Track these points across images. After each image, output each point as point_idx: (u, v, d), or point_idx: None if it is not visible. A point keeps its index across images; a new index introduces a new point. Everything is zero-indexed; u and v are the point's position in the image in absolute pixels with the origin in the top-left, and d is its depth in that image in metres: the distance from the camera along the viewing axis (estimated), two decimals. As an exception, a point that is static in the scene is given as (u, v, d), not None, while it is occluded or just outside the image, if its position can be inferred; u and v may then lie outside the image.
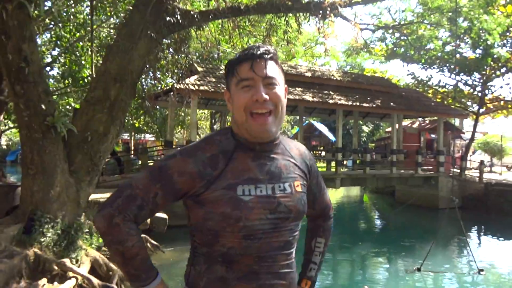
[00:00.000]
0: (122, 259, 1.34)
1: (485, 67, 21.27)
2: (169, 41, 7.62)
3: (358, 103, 17.10)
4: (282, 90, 1.42)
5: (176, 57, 8.13)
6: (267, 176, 1.39)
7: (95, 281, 5.70)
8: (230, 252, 1.34)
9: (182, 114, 24.52)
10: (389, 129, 23.14)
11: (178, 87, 9.37)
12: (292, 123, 38.58)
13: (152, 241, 8.29)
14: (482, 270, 8.30)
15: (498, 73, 22.16)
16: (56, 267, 5.52)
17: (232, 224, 1.31)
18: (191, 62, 9.19)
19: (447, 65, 22.27)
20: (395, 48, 22.83)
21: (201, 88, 13.24)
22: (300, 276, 1.66)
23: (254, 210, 1.33)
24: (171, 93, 11.37)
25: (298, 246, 1.51)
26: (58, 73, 15.44)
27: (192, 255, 1.46)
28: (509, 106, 24.41)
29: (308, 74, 17.85)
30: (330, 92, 17.15)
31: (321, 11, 7.83)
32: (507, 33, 19.96)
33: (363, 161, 17.84)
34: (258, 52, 1.37)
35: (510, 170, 29.55)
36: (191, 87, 12.24)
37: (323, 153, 22.75)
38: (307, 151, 1.59)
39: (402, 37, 21.86)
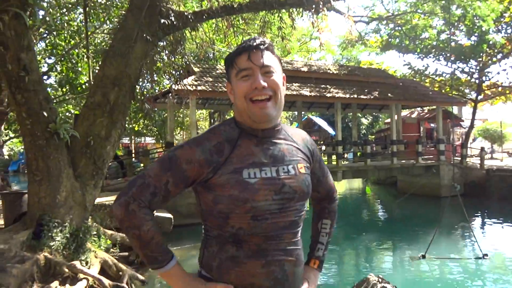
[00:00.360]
0: (139, 243, 1.43)
1: (481, 54, 21.29)
2: (164, 43, 7.69)
3: (355, 96, 17.16)
4: (280, 78, 1.51)
5: (173, 58, 8.20)
6: (270, 159, 1.48)
7: (106, 281, 5.80)
8: (239, 232, 1.43)
9: (181, 115, 24.60)
10: (388, 120, 23.17)
11: (176, 88, 9.44)
12: (291, 119, 38.64)
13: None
14: (486, 254, 8.37)
15: (494, 59, 22.16)
16: (66, 270, 5.61)
17: (240, 205, 1.40)
18: (187, 62, 9.25)
19: (443, 53, 22.28)
20: (390, 39, 22.85)
21: (199, 88, 13.31)
22: (309, 256, 1.75)
23: (260, 191, 1.41)
24: (170, 94, 11.46)
25: (305, 228, 1.59)
26: (55, 81, 15.54)
27: (204, 239, 1.55)
28: (507, 92, 24.43)
29: (305, 69, 17.93)
30: (328, 86, 17.22)
31: (314, 6, 7.91)
32: (501, 19, 20.00)
33: (363, 153, 17.91)
34: (255, 43, 1.47)
35: (511, 156, 29.59)
36: (189, 87, 12.31)
37: (323, 147, 22.79)
38: (308, 137, 1.69)
39: (397, 28, 21.87)
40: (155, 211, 1.52)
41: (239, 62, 1.47)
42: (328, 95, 16.41)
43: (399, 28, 21.44)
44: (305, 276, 1.64)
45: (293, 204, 1.49)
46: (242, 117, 1.51)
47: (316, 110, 24.61)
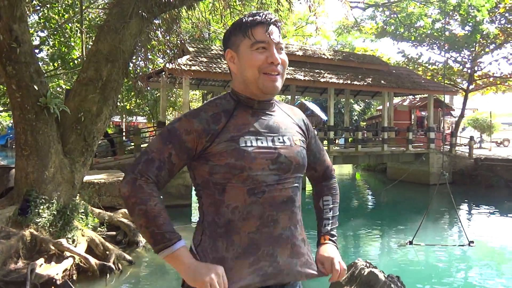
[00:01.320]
0: (145, 219, 1.38)
1: (474, 44, 21.33)
2: (160, 21, 7.56)
3: (349, 82, 17.09)
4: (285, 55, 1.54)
5: (168, 37, 8.08)
6: (266, 130, 1.49)
7: (92, 260, 5.77)
8: (234, 216, 1.41)
9: (174, 95, 24.42)
10: (380, 107, 23.21)
11: (170, 67, 9.33)
12: (284, 103, 38.48)
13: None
14: (472, 241, 8.45)
15: (487, 49, 22.27)
16: (53, 247, 5.57)
17: (237, 174, 1.39)
18: (182, 42, 9.12)
19: (437, 42, 22.30)
20: (385, 26, 22.81)
21: (193, 68, 13.17)
22: (318, 234, 1.75)
23: (256, 160, 1.41)
24: (163, 73, 11.33)
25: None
26: (46, 55, 15.27)
27: (200, 222, 1.52)
28: (498, 82, 24.56)
29: (300, 53, 17.80)
30: (322, 71, 17.15)
31: (311, -12, 7.81)
32: (496, 9, 19.98)
33: (355, 139, 17.95)
34: (271, 19, 1.49)
35: (499, 145, 29.86)
36: (183, 67, 12.17)
37: (315, 132, 22.78)
38: (302, 113, 1.72)
39: (392, 15, 21.84)
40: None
41: (257, 34, 1.48)
42: (322, 80, 16.35)
43: (395, 15, 21.40)
44: (322, 253, 1.66)
45: (289, 175, 1.48)
46: (246, 86, 1.51)
47: (310, 95, 24.55)
